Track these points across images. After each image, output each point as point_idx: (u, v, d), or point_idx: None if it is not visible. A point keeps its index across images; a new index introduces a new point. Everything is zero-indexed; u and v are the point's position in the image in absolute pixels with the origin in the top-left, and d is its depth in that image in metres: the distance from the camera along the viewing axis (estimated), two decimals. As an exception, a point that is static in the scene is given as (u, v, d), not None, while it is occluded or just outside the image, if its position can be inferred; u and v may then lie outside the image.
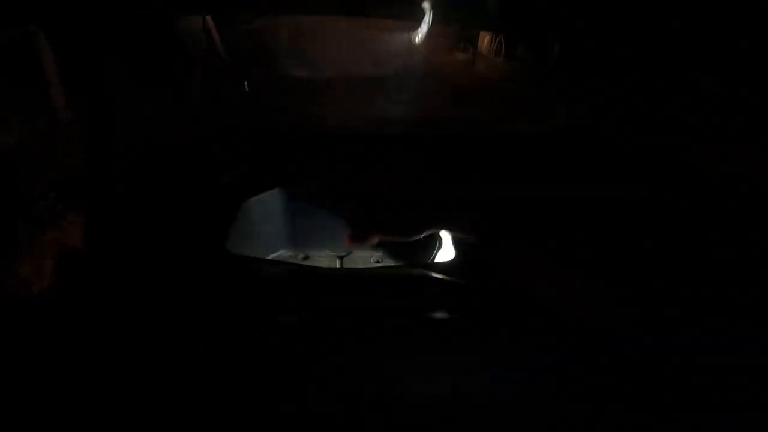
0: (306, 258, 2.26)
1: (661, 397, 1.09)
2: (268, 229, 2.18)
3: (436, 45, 3.23)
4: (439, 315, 1.34)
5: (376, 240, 1.71)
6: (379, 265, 2.18)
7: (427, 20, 3.02)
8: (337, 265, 2.20)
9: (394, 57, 3.15)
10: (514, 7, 2.08)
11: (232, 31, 2.80)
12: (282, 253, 2.30)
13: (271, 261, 2.12)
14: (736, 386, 1.08)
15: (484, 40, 3.22)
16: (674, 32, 1.84)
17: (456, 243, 1.96)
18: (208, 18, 2.28)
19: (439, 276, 1.67)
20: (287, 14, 3.00)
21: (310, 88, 2.81)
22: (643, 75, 2.20)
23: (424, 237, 1.77)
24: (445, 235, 2.05)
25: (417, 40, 3.17)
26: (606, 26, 2.07)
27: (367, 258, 2.24)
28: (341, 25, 3.09)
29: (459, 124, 2.51)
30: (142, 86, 1.91)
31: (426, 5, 2.38)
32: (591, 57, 2.50)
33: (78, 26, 1.65)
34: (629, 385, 1.12)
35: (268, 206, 2.17)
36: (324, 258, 2.26)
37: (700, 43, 1.79)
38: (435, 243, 2.10)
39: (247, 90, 2.26)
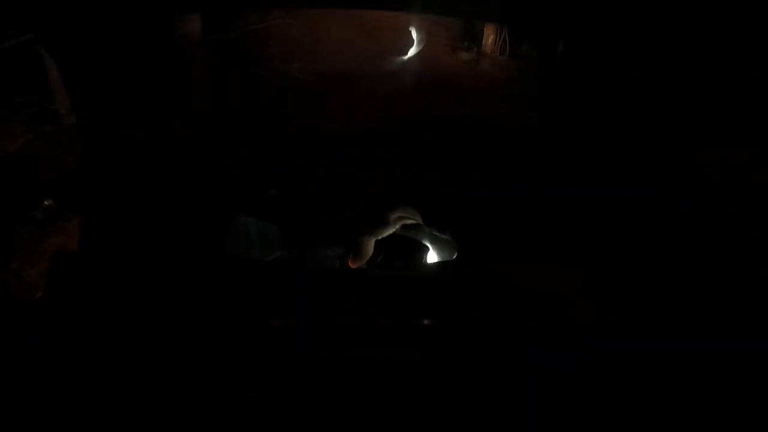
0: (305, 258, 2.24)
1: (661, 396, 1.10)
2: (267, 230, 2.17)
3: (440, 43, 3.23)
4: (436, 316, 1.34)
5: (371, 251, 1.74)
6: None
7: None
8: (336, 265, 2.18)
9: (397, 55, 3.15)
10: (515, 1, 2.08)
11: (233, 31, 2.81)
12: (281, 254, 2.29)
13: (270, 263, 2.11)
14: (735, 386, 1.09)
15: (489, 38, 3.22)
16: (674, 33, 1.84)
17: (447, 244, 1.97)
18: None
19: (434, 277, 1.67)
20: (288, 9, 3.01)
21: (311, 87, 2.82)
22: (643, 75, 2.20)
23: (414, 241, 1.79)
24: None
25: (421, 38, 3.16)
26: (606, 26, 2.07)
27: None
28: (343, 23, 3.09)
29: (462, 122, 2.52)
30: (142, 87, 1.91)
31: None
32: (592, 57, 2.50)
33: (78, 29, 1.65)
34: (629, 385, 1.12)
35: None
36: (322, 258, 2.24)
37: (700, 44, 1.79)
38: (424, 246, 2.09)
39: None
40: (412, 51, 3.14)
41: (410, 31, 3.16)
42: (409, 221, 1.80)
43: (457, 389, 1.12)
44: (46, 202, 1.84)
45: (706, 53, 1.78)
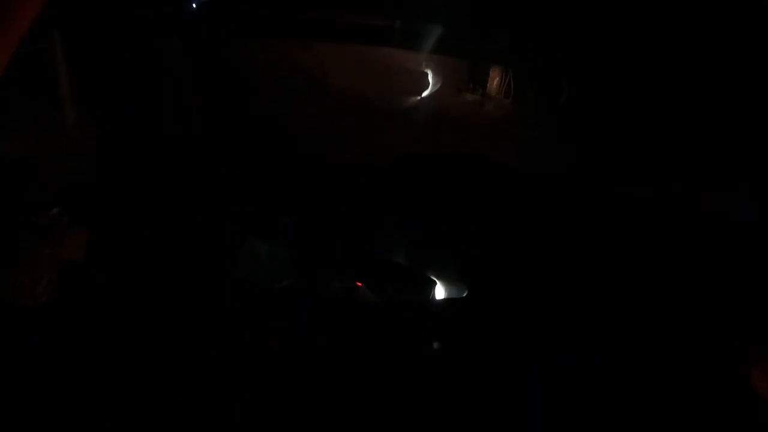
0: (312, 287, 2.21)
1: (658, 395, 1.08)
2: (278, 255, 2.16)
3: (445, 83, 3.32)
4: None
5: None
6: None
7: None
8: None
9: (404, 94, 3.23)
10: (524, 43, 2.15)
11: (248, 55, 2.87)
12: (288, 282, 2.26)
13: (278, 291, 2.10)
14: (732, 385, 1.07)
15: (494, 81, 3.30)
16: (680, 81, 1.91)
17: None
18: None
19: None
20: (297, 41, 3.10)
21: (317, 121, 2.87)
22: (648, 123, 2.25)
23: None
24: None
25: (430, 79, 3.25)
26: (613, 72, 2.14)
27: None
28: (352, 60, 3.18)
29: (465, 162, 2.56)
30: (149, 100, 1.96)
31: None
32: (597, 103, 2.57)
33: (96, 37, 1.71)
34: (628, 384, 1.12)
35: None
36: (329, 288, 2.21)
37: (705, 91, 1.85)
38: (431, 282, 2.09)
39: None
40: (420, 91, 3.22)
41: (419, 71, 3.24)
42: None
43: (457, 388, 1.11)
44: (53, 210, 1.84)
45: (714, 99, 1.84)
